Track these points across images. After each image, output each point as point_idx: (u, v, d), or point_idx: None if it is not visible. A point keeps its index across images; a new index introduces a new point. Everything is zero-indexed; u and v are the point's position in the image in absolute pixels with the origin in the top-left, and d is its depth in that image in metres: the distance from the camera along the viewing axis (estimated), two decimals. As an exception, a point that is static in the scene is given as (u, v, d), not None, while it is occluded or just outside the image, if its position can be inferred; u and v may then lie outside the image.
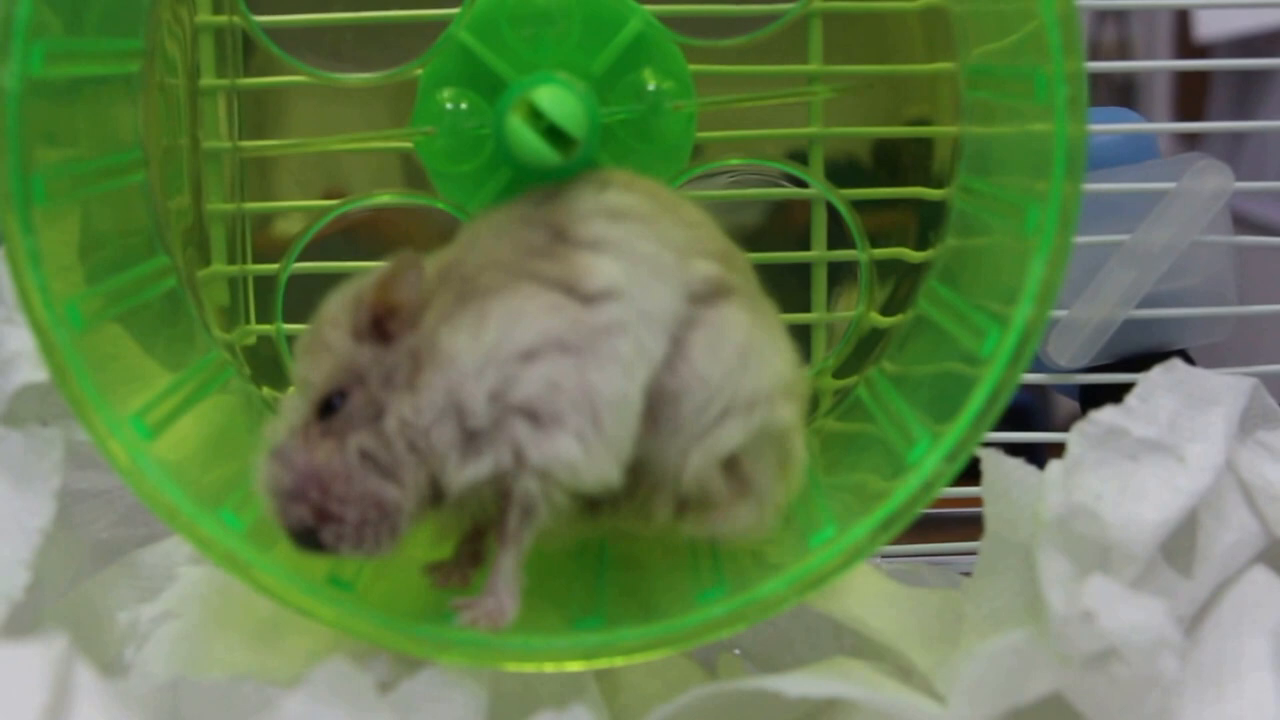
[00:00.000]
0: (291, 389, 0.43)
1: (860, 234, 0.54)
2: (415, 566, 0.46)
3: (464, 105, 0.48)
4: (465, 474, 0.41)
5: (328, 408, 0.41)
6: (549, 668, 0.43)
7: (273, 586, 0.43)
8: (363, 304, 0.42)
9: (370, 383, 0.41)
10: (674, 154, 0.50)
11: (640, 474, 0.43)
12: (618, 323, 0.42)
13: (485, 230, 0.44)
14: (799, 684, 0.41)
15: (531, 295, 0.42)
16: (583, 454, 0.41)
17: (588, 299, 0.42)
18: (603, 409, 0.41)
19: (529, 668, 0.43)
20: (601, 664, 0.43)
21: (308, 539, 0.41)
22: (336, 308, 0.43)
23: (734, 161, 0.55)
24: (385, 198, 0.54)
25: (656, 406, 0.43)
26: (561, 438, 0.41)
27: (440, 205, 0.52)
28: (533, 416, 0.41)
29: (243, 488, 0.44)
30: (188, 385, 0.48)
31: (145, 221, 0.49)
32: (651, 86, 0.49)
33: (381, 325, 0.42)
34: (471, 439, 0.41)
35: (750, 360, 0.44)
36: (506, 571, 0.42)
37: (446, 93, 0.48)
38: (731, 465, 0.44)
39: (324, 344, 0.42)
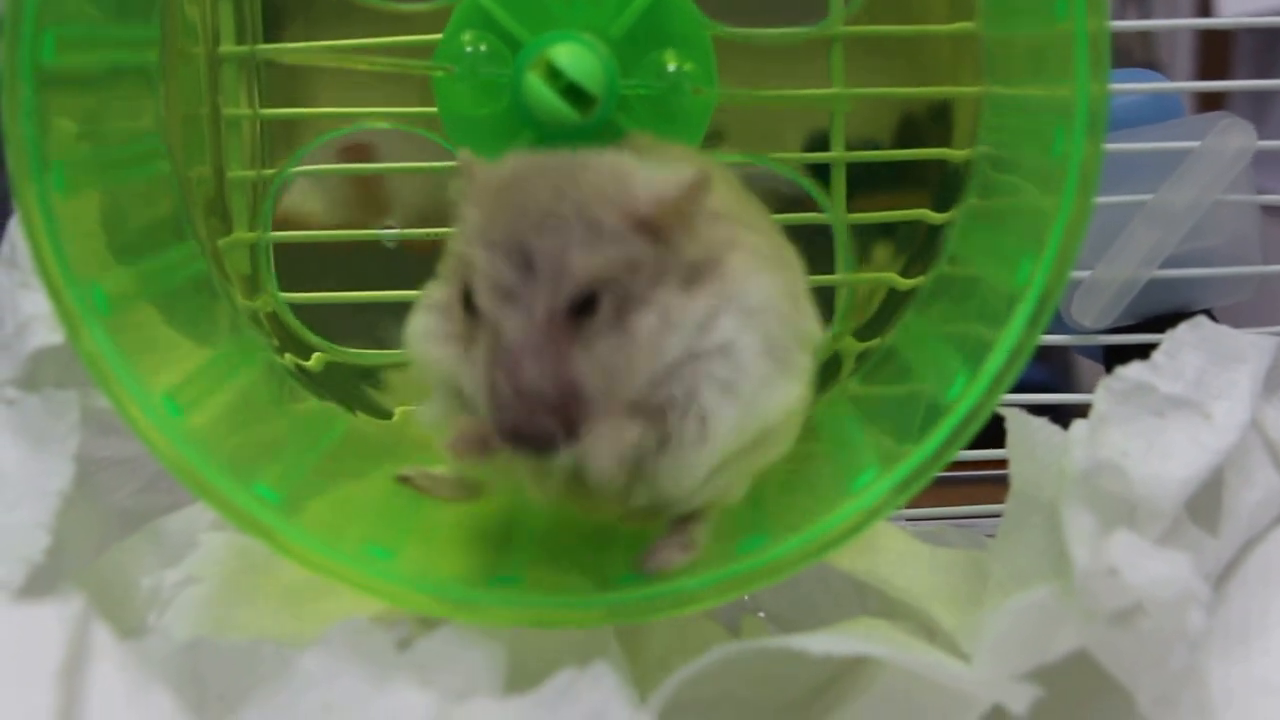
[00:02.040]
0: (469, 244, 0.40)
1: (840, 199, 0.54)
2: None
3: (483, 48, 0.48)
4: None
5: (587, 305, 0.38)
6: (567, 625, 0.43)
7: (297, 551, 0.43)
8: (658, 201, 0.39)
9: (640, 276, 0.39)
10: (689, 135, 0.50)
11: None
12: None
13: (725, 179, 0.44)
14: (822, 643, 0.41)
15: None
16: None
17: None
18: None
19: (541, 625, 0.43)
20: (610, 622, 0.43)
21: (537, 444, 0.38)
22: (607, 186, 0.39)
23: (735, 158, 0.54)
24: (381, 123, 0.54)
25: None
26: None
27: (435, 138, 0.51)
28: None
29: (271, 457, 0.45)
30: (218, 365, 0.48)
31: (172, 206, 0.49)
32: (672, 67, 0.48)
33: (657, 225, 0.40)
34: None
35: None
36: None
37: (467, 35, 0.48)
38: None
39: (590, 222, 0.39)
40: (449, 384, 0.41)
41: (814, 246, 0.54)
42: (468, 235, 0.40)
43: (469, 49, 0.48)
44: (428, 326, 0.42)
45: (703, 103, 0.49)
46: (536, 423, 0.38)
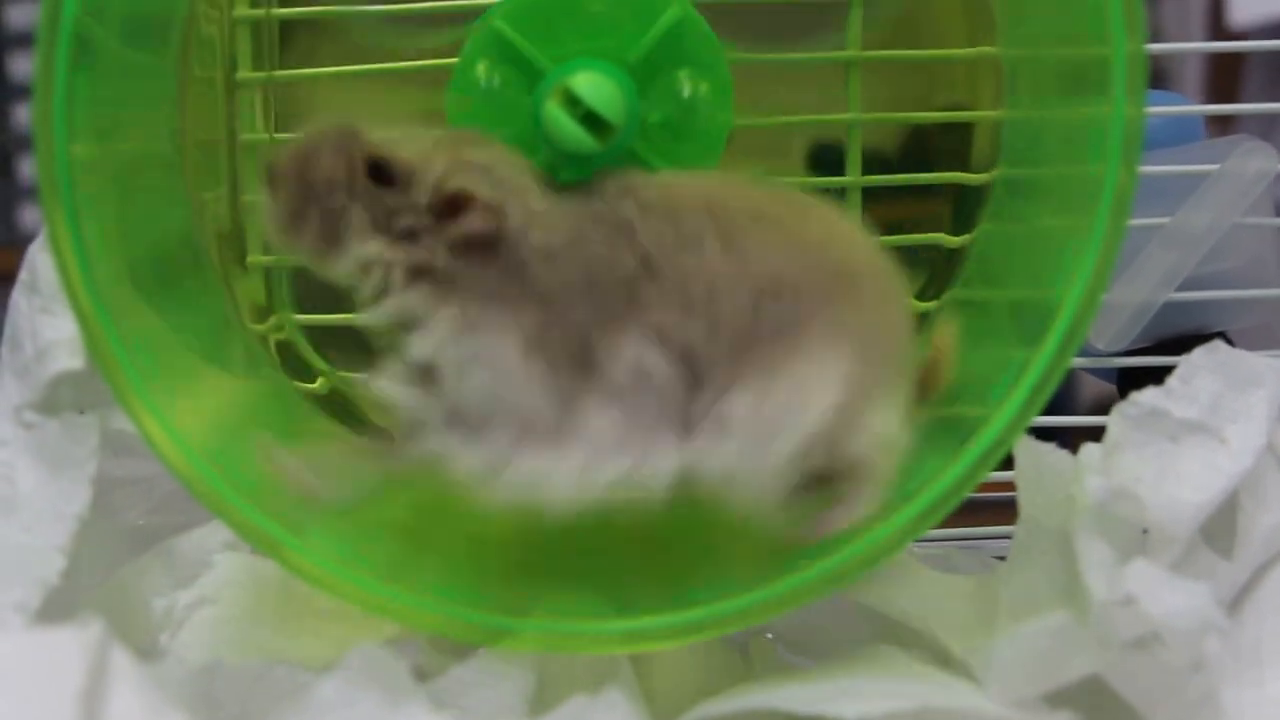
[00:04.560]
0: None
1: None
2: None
3: (497, 79, 0.47)
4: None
5: (377, 173, 0.44)
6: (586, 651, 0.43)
7: (310, 570, 0.43)
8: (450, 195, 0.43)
9: (390, 219, 0.43)
10: (707, 158, 0.49)
11: None
12: None
13: None
14: (855, 706, 0.40)
15: None
16: None
17: None
18: None
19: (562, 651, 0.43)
20: (628, 649, 0.43)
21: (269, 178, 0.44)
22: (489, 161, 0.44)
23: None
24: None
25: None
26: None
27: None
28: None
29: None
30: (231, 388, 0.49)
31: (182, 214, 0.49)
32: (688, 92, 0.48)
33: (452, 205, 0.43)
34: None
35: None
36: None
37: (481, 66, 0.47)
38: None
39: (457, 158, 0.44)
40: None
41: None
42: None
43: (484, 80, 0.48)
44: None
45: (719, 125, 0.49)
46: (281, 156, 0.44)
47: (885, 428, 0.44)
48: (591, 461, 0.42)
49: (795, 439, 0.42)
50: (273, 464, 0.44)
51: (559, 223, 0.43)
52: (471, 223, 0.43)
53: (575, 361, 0.42)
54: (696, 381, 0.43)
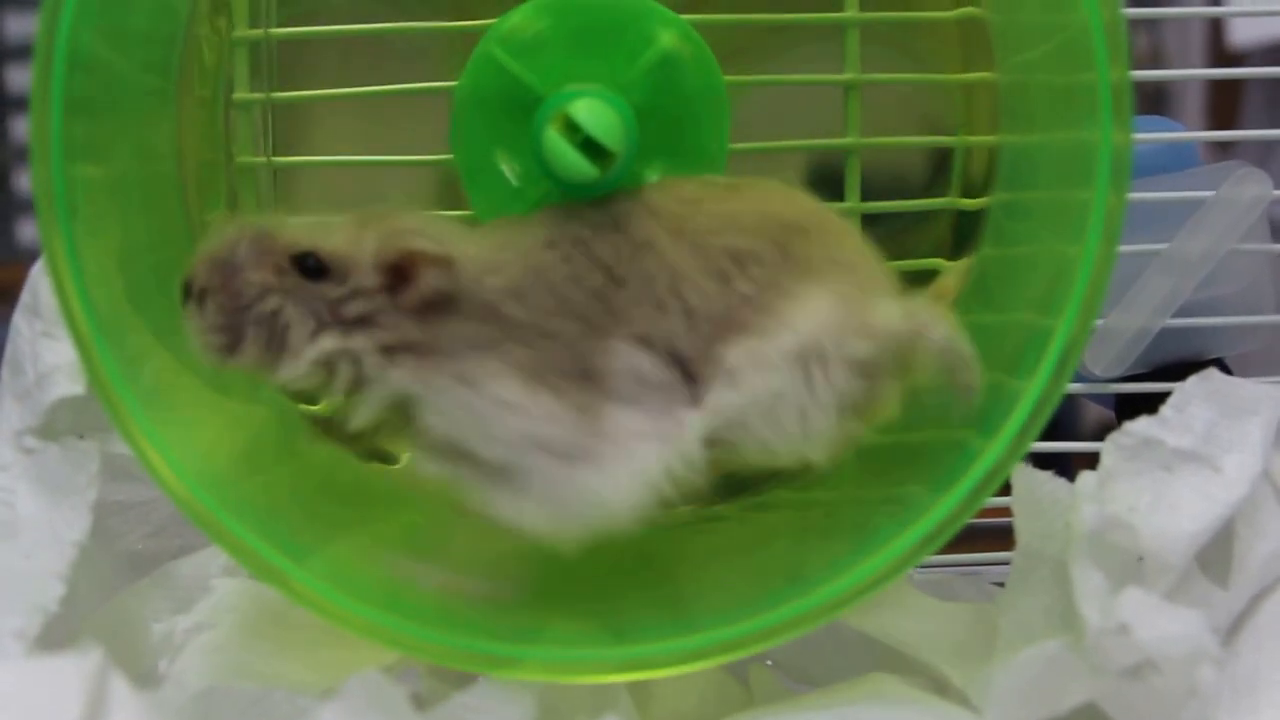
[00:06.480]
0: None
1: None
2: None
3: (496, 105, 0.48)
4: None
5: (305, 267, 0.42)
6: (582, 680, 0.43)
7: (309, 596, 0.43)
8: (391, 257, 0.42)
9: (336, 311, 0.42)
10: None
11: None
12: None
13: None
14: None
15: None
16: None
17: None
18: None
19: (564, 679, 0.43)
20: (628, 677, 0.43)
21: (187, 296, 0.43)
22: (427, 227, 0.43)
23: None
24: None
25: None
26: None
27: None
28: None
29: (280, 502, 0.45)
30: (231, 411, 0.49)
31: (182, 236, 0.49)
32: (685, 116, 0.48)
33: (400, 273, 0.42)
34: None
35: None
36: None
37: (480, 92, 0.48)
38: None
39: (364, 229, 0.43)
40: None
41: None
42: None
43: (483, 106, 0.48)
44: None
45: (718, 148, 0.49)
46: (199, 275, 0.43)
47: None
48: (629, 462, 0.42)
49: (795, 346, 0.42)
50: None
51: (513, 259, 0.44)
52: (426, 280, 0.42)
53: (576, 378, 0.42)
54: (690, 376, 0.43)
